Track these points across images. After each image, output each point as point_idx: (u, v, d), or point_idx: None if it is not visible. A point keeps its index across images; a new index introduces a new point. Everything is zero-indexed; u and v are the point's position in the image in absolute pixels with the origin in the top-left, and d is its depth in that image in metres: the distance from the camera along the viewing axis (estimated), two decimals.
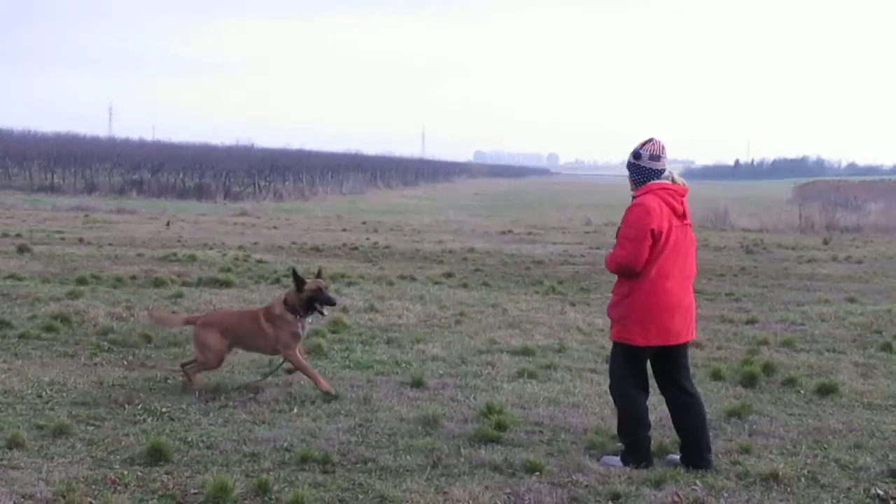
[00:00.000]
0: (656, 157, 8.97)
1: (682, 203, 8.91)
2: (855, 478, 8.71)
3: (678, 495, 8.08)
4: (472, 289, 21.22)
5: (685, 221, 8.93)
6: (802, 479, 8.57)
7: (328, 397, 10.80)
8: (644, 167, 8.99)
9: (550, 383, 12.07)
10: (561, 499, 7.98)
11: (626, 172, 9.16)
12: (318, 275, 11.87)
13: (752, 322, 17.38)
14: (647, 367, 9.01)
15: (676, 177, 9.06)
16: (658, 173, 8.96)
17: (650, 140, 9.07)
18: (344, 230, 39.25)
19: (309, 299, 11.29)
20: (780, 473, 8.56)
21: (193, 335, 11.60)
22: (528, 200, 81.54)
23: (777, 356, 13.87)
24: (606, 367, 12.93)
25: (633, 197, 9.03)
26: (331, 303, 11.53)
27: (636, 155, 9.04)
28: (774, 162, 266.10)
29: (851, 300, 20.68)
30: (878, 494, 8.25)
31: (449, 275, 23.57)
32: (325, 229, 39.44)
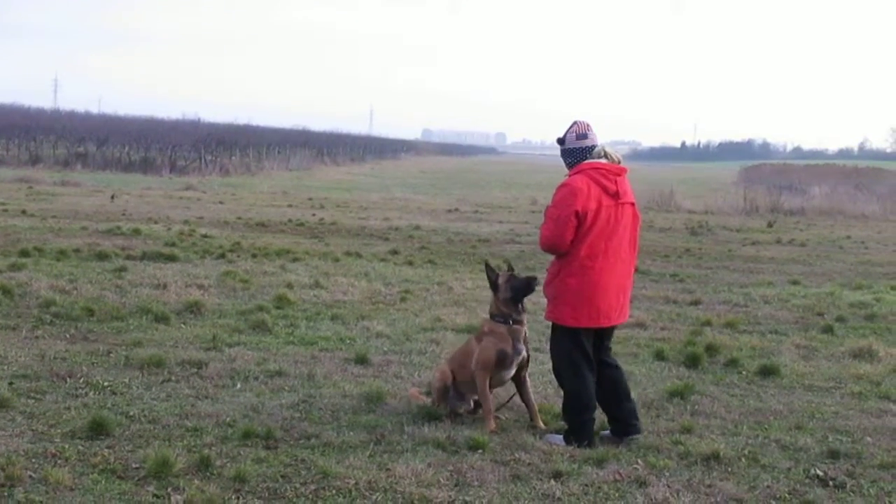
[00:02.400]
0: (583, 136, 9.00)
1: (615, 182, 8.83)
2: (795, 458, 8.79)
3: (620, 474, 8.13)
4: (418, 266, 21.22)
5: (620, 200, 8.86)
6: (743, 459, 8.64)
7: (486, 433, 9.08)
8: (573, 149, 9.02)
9: None
10: (503, 476, 8.00)
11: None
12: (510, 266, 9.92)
13: (695, 303, 17.48)
14: (589, 346, 8.99)
15: (610, 152, 9.01)
16: (589, 150, 8.96)
17: (573, 123, 9.12)
18: (290, 206, 39.07)
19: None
20: (721, 453, 8.64)
21: None
22: (475, 179, 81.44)
23: (720, 337, 13.96)
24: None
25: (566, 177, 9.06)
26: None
27: (561, 142, 9.11)
28: (721, 144, 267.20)
29: (794, 282, 20.84)
30: (818, 475, 8.32)
31: (395, 252, 23.54)
32: (270, 205, 39.24)
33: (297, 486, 7.58)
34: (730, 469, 8.42)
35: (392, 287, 17.67)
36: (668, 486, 7.91)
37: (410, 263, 21.56)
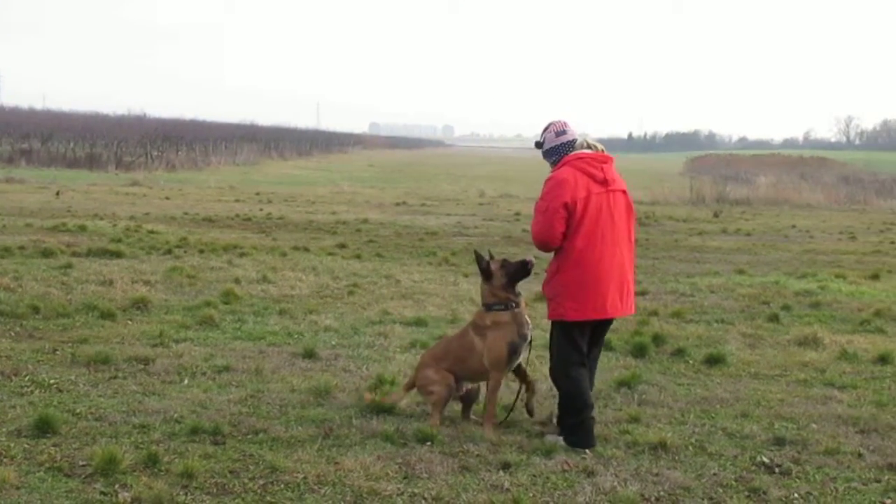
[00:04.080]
0: (561, 132, 8.94)
1: (601, 169, 8.72)
2: (741, 446, 8.86)
3: (568, 464, 8.16)
4: (366, 260, 21.20)
5: (610, 188, 8.73)
6: (690, 448, 8.70)
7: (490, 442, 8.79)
8: (555, 147, 8.93)
9: None
10: (452, 468, 8.01)
11: (537, 154, 9.13)
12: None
13: (642, 293, 17.53)
14: (584, 343, 8.88)
15: (592, 142, 8.96)
16: (570, 145, 8.89)
17: (549, 124, 9.08)
18: (237, 201, 38.95)
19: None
20: (669, 442, 8.69)
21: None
22: (423, 172, 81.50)
23: (667, 327, 14.05)
24: None
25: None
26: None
27: (539, 145, 9.07)
28: (667, 135, 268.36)
29: (740, 272, 20.99)
30: (764, 462, 8.40)
31: (342, 246, 23.51)
32: (217, 200, 39.11)
33: (246, 481, 7.55)
34: (677, 457, 8.47)
35: (340, 281, 17.65)
36: (616, 476, 7.95)
37: (358, 257, 21.53)
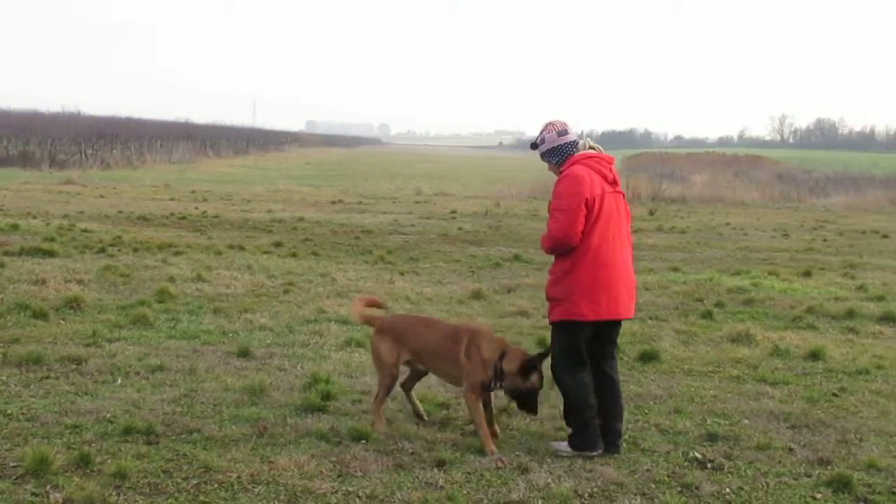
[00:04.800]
0: (563, 132, 8.73)
1: (610, 170, 8.66)
2: (674, 442, 8.95)
3: (502, 461, 8.19)
4: (302, 258, 21.14)
5: (616, 189, 8.68)
6: (624, 444, 8.75)
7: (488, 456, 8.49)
8: (559, 146, 8.74)
9: None
10: (386, 466, 8.02)
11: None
12: None
13: None
14: (585, 345, 8.64)
15: (595, 145, 8.82)
16: (574, 144, 8.71)
17: (548, 124, 8.87)
18: (172, 199, 38.71)
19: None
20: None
21: None
22: (360, 170, 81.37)
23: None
24: None
25: (560, 174, 8.71)
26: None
27: (536, 145, 8.89)
28: (603, 134, 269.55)
29: (675, 269, 21.14)
30: (696, 458, 8.49)
31: (278, 244, 23.42)
32: (152, 198, 38.85)
33: (179, 480, 7.51)
34: (610, 454, 8.52)
35: (275, 279, 17.59)
36: (550, 472, 8.00)
37: (294, 255, 21.46)
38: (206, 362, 11.24)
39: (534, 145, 8.94)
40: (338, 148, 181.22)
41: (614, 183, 8.67)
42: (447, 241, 26.26)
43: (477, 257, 22.46)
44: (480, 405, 8.69)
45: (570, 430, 8.65)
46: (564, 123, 8.82)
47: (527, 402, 8.74)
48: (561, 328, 8.65)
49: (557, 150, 8.75)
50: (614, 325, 8.78)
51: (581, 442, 8.54)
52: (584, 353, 8.61)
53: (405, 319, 9.94)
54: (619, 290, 8.53)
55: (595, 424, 8.58)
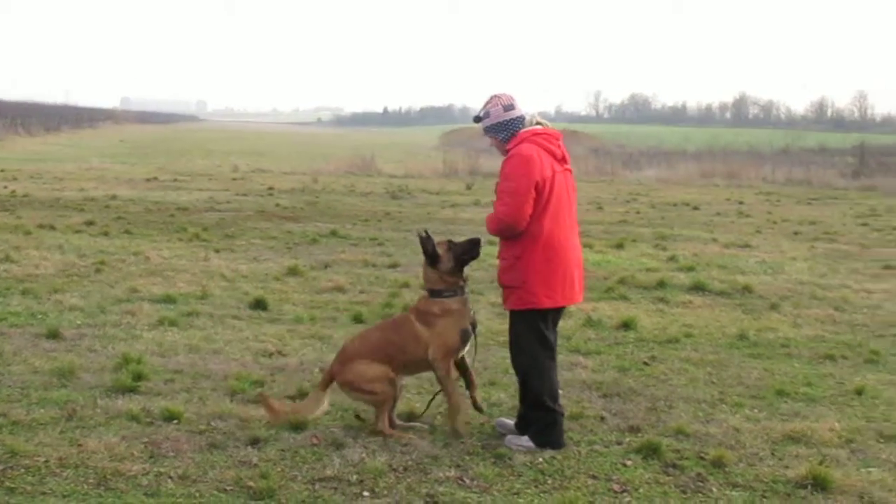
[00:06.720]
0: (510, 107, 8.31)
1: (559, 146, 8.30)
2: (489, 413, 9.02)
3: (317, 437, 8.19)
4: (114, 237, 20.70)
5: (566, 166, 8.34)
6: (439, 417, 8.81)
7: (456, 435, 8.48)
8: (504, 122, 8.33)
9: (192, 331, 11.98)
10: (199, 445, 7.94)
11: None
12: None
13: (394, 266, 17.71)
14: (551, 333, 8.41)
15: (542, 121, 8.45)
16: (521, 120, 8.33)
17: (493, 97, 8.45)
18: None
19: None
20: (418, 412, 8.85)
21: None
22: (176, 147, 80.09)
23: (417, 299, 14.13)
24: (249, 312, 13.03)
25: (507, 152, 8.31)
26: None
27: (479, 119, 8.47)
28: (422, 109, 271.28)
29: (491, 243, 21.20)
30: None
31: (90, 223, 22.88)
32: None
33: None
34: (426, 427, 8.60)
35: (87, 259, 17.21)
36: (365, 447, 8.01)
37: (106, 234, 21.00)
38: (14, 345, 10.95)
39: (477, 118, 8.52)
40: (153, 125, 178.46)
41: (563, 160, 8.32)
42: (264, 217, 26.04)
43: (294, 233, 22.32)
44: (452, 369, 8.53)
45: (534, 425, 8.31)
46: (511, 97, 8.39)
47: (472, 251, 8.74)
48: (518, 317, 8.38)
49: (503, 126, 8.35)
50: (562, 309, 8.57)
51: (547, 440, 8.26)
52: (547, 342, 8.33)
53: (355, 342, 8.97)
54: (573, 273, 8.27)
55: (561, 420, 8.37)
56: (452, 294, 8.58)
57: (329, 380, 8.64)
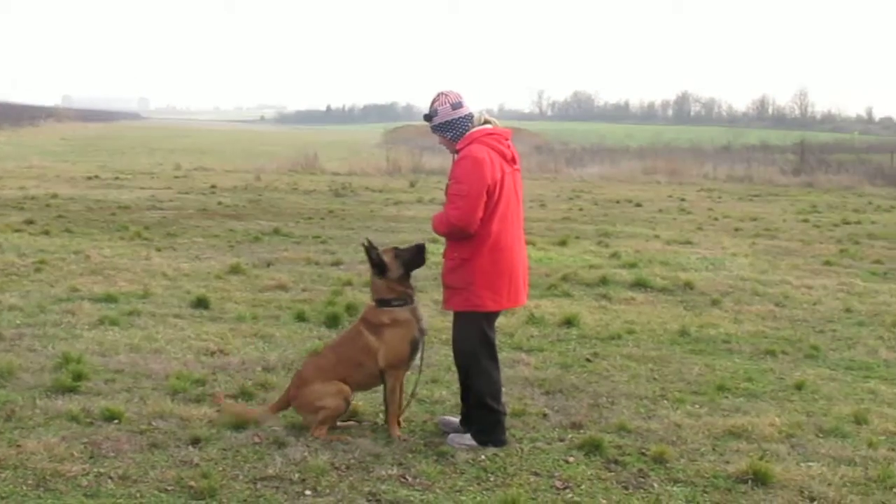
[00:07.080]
0: (458, 105, 8.18)
1: (508, 147, 8.22)
2: (431, 411, 9.10)
3: (258, 436, 8.16)
4: (54, 236, 20.52)
5: (515, 167, 8.25)
6: (380, 414, 8.78)
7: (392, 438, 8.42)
8: (452, 120, 8.18)
9: (133, 330, 11.90)
10: (140, 445, 7.90)
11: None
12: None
13: (337, 264, 17.68)
14: (493, 333, 8.40)
15: (490, 118, 8.32)
16: (470, 119, 8.19)
17: (440, 94, 8.31)
18: None
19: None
20: (359, 410, 8.83)
21: None
22: (118, 145, 79.52)
23: (360, 296, 14.11)
24: (191, 311, 12.96)
25: (456, 152, 8.18)
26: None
27: (429, 117, 8.30)
28: (365, 107, 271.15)
29: (435, 241, 21.19)
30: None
31: (30, 222, 22.66)
32: None
33: None
34: (367, 425, 8.59)
35: (26, 258, 17.05)
36: (307, 446, 7.99)
37: (47, 233, 20.83)
38: None
39: (427, 117, 8.34)
40: (95, 123, 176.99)
41: (513, 160, 8.23)
42: (206, 215, 25.91)
43: (236, 231, 22.23)
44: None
45: (477, 424, 8.30)
46: (458, 95, 8.28)
47: (418, 258, 8.55)
48: (461, 318, 8.30)
49: (452, 125, 8.20)
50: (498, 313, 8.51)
51: (490, 439, 8.25)
52: (490, 343, 8.31)
53: (309, 365, 8.80)
54: (518, 276, 8.23)
55: (504, 420, 8.37)
56: (402, 303, 8.47)
57: (285, 404, 8.60)
